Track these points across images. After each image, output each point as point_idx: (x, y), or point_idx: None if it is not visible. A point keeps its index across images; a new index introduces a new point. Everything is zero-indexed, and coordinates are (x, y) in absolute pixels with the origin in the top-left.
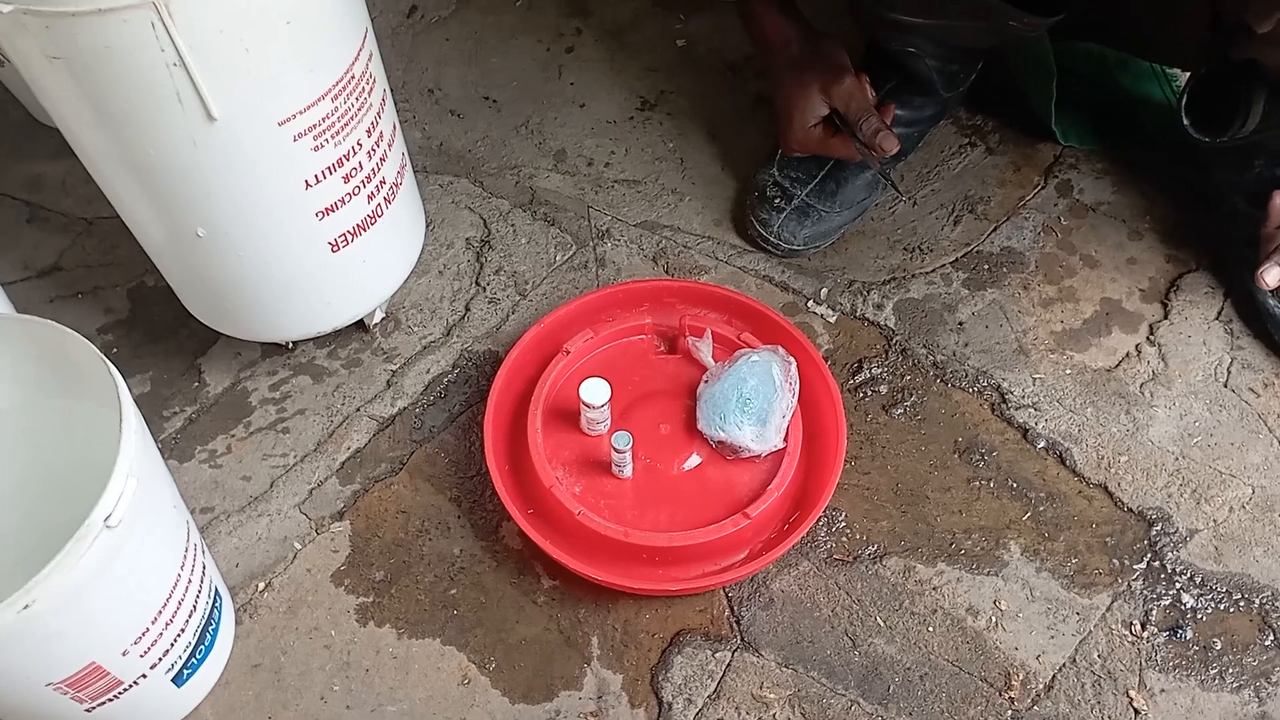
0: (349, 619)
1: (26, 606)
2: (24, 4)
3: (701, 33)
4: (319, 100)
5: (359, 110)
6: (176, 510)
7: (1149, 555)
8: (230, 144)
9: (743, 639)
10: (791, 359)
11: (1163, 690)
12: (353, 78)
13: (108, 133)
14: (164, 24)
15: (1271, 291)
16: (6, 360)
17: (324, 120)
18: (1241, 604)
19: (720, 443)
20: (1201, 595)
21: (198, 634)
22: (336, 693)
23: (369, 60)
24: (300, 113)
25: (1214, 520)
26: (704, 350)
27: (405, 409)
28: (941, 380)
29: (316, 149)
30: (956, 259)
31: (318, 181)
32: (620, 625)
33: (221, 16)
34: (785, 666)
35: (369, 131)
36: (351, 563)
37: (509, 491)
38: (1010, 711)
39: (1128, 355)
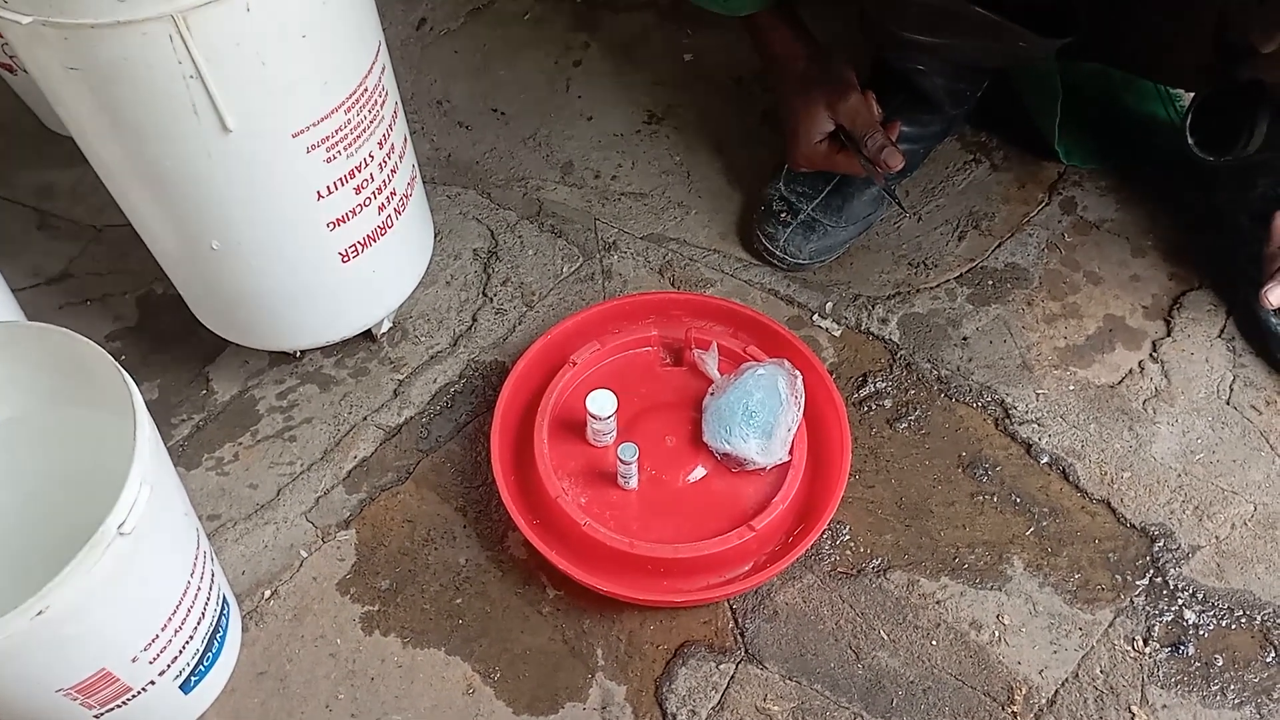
0: (354, 627)
1: (40, 613)
2: (43, 15)
3: (709, 47)
4: (333, 113)
5: (371, 123)
6: (187, 518)
7: (1151, 571)
8: (244, 155)
9: (747, 651)
10: (797, 372)
11: (1164, 706)
12: (366, 90)
13: (123, 143)
14: (182, 36)
15: (1274, 310)
16: (20, 367)
17: (337, 132)
18: (1243, 621)
19: (725, 455)
20: (1203, 612)
21: (206, 641)
22: (341, 701)
23: (382, 73)
24: (314, 125)
25: (1216, 537)
26: (710, 363)
27: (412, 418)
28: (945, 395)
29: (329, 160)
30: (961, 274)
31: (330, 193)
32: (625, 636)
33: (239, 29)
34: (789, 679)
35: (380, 144)
36: (357, 571)
37: (515, 501)
38: None
39: (1131, 372)
